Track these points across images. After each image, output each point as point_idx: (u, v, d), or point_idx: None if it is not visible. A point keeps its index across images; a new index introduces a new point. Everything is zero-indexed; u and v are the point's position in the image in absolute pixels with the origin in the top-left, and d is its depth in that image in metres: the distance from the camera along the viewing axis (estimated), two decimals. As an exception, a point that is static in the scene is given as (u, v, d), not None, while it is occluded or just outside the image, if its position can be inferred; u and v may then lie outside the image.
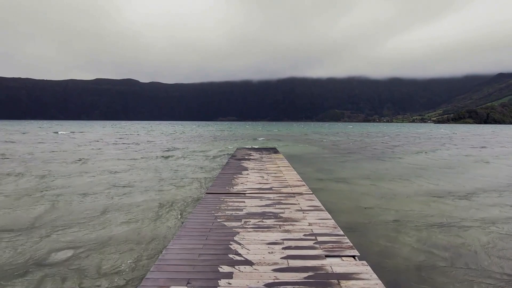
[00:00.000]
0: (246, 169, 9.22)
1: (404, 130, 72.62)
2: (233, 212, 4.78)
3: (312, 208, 5.01)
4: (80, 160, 14.95)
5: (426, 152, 20.27)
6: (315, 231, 3.93)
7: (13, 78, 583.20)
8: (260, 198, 5.68)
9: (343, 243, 3.55)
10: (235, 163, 10.56)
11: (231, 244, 3.51)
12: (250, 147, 19.51)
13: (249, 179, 7.54)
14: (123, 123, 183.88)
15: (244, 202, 5.40)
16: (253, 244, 3.53)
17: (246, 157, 12.26)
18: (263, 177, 7.81)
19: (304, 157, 17.48)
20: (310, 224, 4.20)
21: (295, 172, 8.58)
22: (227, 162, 10.88)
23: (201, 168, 12.66)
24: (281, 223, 4.26)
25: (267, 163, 10.58)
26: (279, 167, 9.63)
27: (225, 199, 5.58)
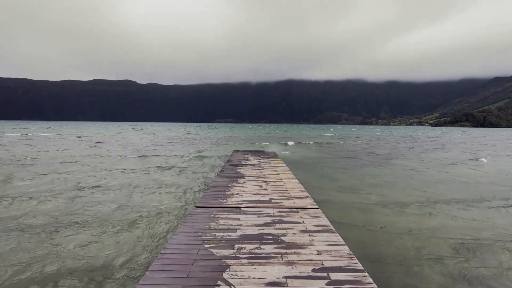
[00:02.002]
0: (242, 176, 8.40)
1: (411, 133, 69.70)
2: (225, 234, 3.95)
3: (320, 228, 4.19)
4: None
5: (476, 160, 18.09)
6: (327, 264, 3.11)
7: (10, 78, 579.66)
8: (258, 213, 4.86)
9: (365, 283, 2.74)
10: (230, 169, 9.73)
11: (219, 286, 2.69)
12: (247, 150, 18.68)
13: (245, 189, 6.72)
14: (119, 124, 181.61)
15: (238, 219, 4.58)
16: (247, 285, 2.70)
17: (243, 162, 11.44)
18: (261, 187, 6.99)
19: (330, 166, 14.99)
20: (319, 253, 3.38)
21: (297, 181, 7.77)
22: (222, 168, 10.05)
23: (184, 192, 8.96)
24: (283, 250, 3.44)
25: (265, 169, 9.76)
26: (278, 174, 8.82)
27: (217, 215, 4.76)
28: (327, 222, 4.44)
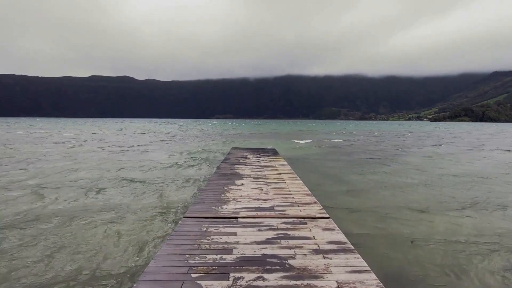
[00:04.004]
0: (240, 177, 7.60)
1: (419, 129, 64.88)
2: (218, 256, 3.16)
3: (335, 246, 3.41)
4: None
5: None
6: (352, 304, 2.33)
7: (7, 75, 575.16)
8: (259, 226, 4.07)
9: None
10: (227, 168, 8.94)
11: None
12: (246, 147, 17.89)
13: (243, 193, 5.93)
14: (117, 120, 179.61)
15: (235, 233, 3.79)
16: None
17: (242, 160, 10.64)
18: (262, 190, 6.20)
19: (365, 171, 12.26)
20: (339, 286, 2.60)
21: (301, 182, 6.98)
22: (218, 167, 9.25)
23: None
24: (293, 282, 2.66)
25: (265, 168, 8.97)
26: (280, 174, 8.03)
27: (209, 228, 3.97)
28: (343, 238, 3.66)
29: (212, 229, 3.94)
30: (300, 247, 3.40)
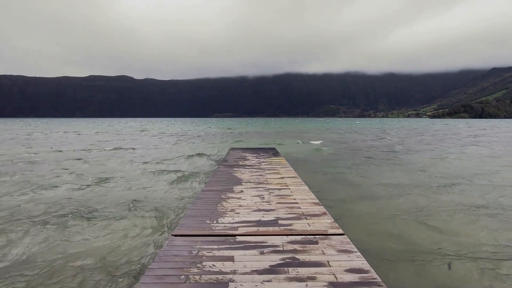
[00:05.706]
0: (239, 182, 6.92)
1: (431, 127, 60.90)
2: (210, 294, 2.49)
3: (356, 277, 2.73)
4: None
5: None
6: None
7: (5, 75, 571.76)
8: (261, 247, 3.40)
9: None
10: (225, 172, 8.25)
11: None
12: (245, 147, 17.19)
13: (242, 202, 5.25)
14: (114, 120, 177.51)
15: (232, 258, 3.12)
16: None
17: (241, 162, 9.96)
18: (264, 198, 5.52)
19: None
20: None
21: (306, 187, 6.29)
22: (215, 171, 8.56)
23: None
24: (308, 338, 1.99)
25: (267, 171, 8.29)
26: (283, 178, 7.35)
27: (201, 251, 3.29)
28: (364, 263, 2.98)
29: (205, 252, 3.26)
30: (312, 278, 2.73)
